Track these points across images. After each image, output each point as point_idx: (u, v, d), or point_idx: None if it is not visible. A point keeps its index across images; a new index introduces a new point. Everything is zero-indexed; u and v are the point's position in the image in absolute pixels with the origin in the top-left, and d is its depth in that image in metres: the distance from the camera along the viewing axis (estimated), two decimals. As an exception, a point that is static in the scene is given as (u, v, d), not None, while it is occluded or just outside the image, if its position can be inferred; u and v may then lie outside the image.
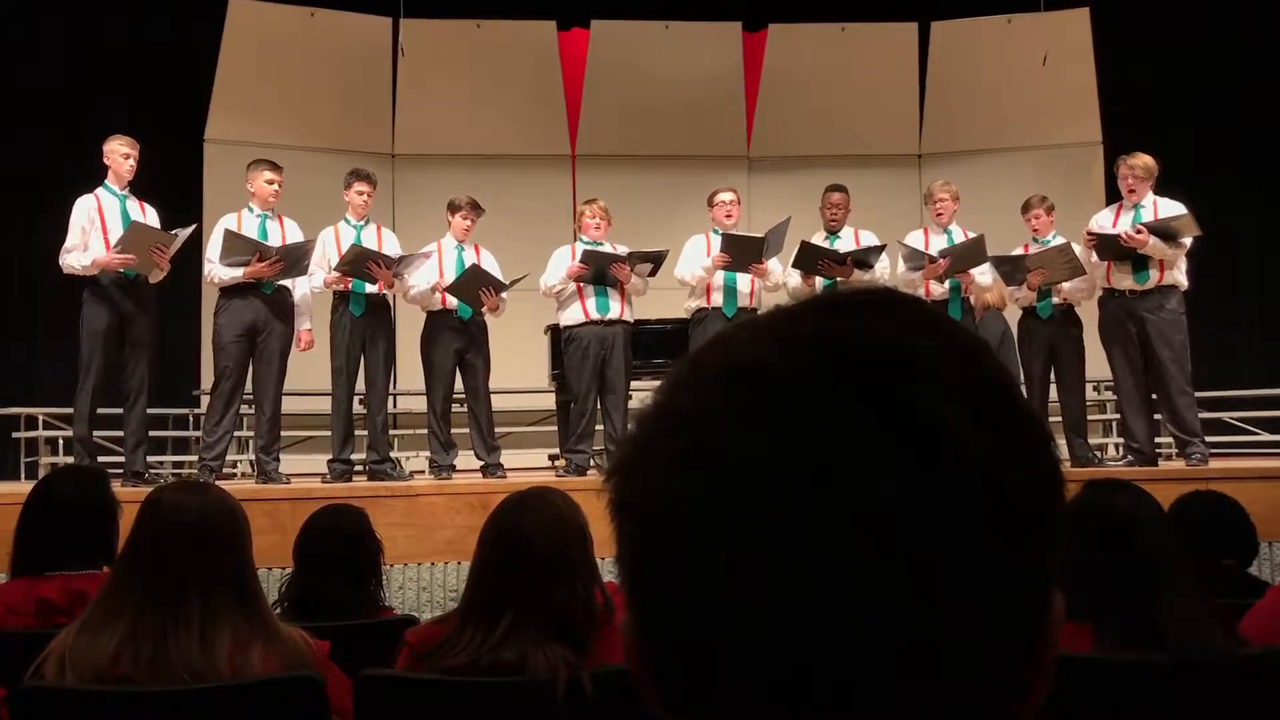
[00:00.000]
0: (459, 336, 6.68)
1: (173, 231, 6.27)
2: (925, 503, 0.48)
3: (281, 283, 6.40)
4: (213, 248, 6.30)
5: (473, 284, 6.58)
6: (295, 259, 6.35)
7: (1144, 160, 6.58)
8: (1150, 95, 9.43)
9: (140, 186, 6.44)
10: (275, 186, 6.52)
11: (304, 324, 6.61)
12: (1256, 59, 9.42)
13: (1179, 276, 6.49)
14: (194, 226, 6.46)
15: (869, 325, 0.53)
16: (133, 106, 8.48)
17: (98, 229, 6.14)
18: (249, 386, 6.55)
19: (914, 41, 9.93)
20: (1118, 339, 6.57)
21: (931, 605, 0.48)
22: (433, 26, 9.62)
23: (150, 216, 6.39)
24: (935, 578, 0.48)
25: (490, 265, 6.86)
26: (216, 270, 6.29)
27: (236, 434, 7.92)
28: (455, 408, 6.89)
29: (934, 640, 0.48)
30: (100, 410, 6.31)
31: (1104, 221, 6.69)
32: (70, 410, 6.44)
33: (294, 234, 6.57)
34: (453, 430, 6.79)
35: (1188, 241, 6.45)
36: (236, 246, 6.24)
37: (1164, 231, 6.37)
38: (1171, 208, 6.48)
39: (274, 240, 6.40)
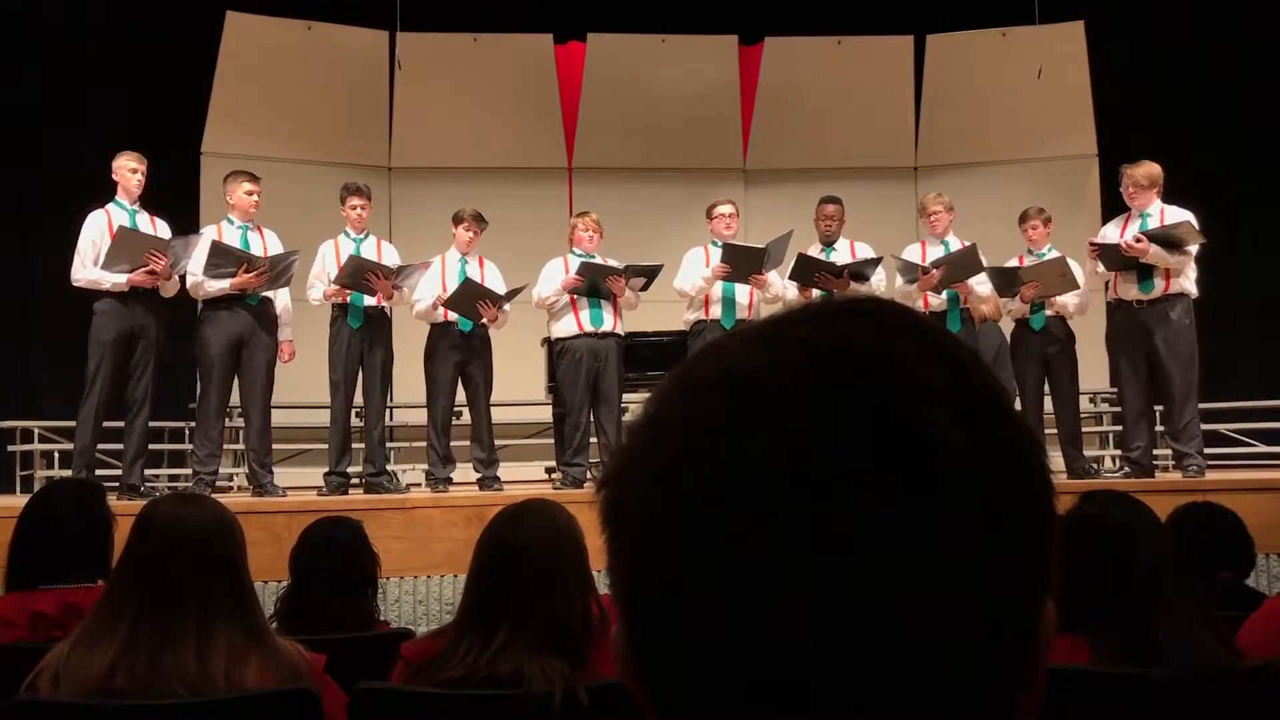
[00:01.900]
0: (460, 349, 6.68)
1: (169, 239, 6.25)
2: (916, 510, 0.48)
3: (265, 294, 6.40)
4: (196, 260, 6.29)
5: (469, 298, 6.58)
6: (281, 270, 6.36)
7: (1146, 169, 6.57)
8: (1145, 107, 9.45)
9: (144, 199, 6.43)
10: (255, 197, 6.53)
11: (285, 335, 6.60)
12: (1253, 70, 9.45)
13: (1187, 284, 6.47)
14: (202, 236, 6.45)
15: (862, 334, 0.53)
16: (130, 119, 8.48)
17: (108, 244, 6.13)
18: (236, 399, 6.54)
19: (909, 55, 9.96)
20: (1124, 349, 6.57)
21: (924, 611, 0.48)
22: (429, 40, 9.63)
23: (162, 229, 6.38)
24: (927, 584, 0.48)
25: (494, 277, 6.87)
26: (202, 282, 6.28)
27: (232, 447, 7.92)
28: (455, 421, 6.89)
29: (927, 646, 0.48)
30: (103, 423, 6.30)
31: (1111, 232, 6.68)
32: (67, 424, 6.43)
33: (274, 245, 6.58)
34: (451, 443, 6.78)
35: (1193, 249, 6.42)
36: (223, 257, 6.23)
37: (1165, 239, 6.36)
38: (1178, 215, 6.46)
39: (255, 251, 6.40)
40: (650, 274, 6.89)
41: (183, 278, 6.33)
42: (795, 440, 0.49)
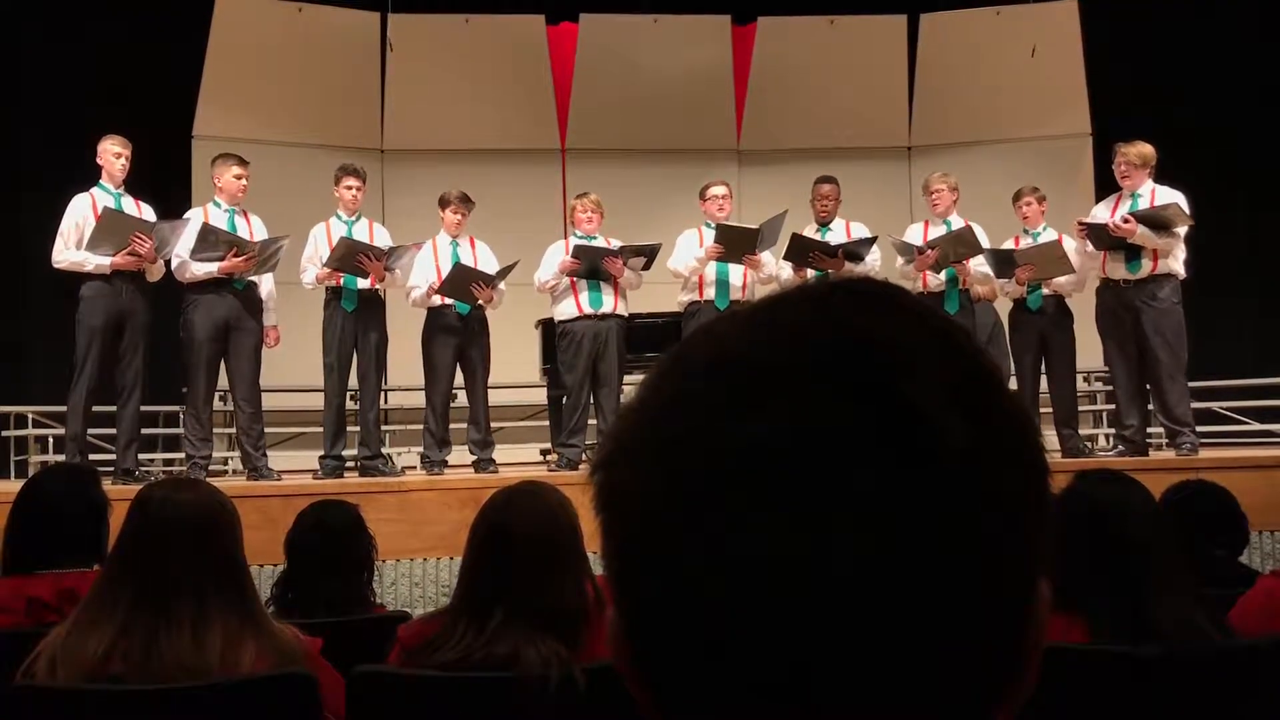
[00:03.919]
0: (458, 333, 6.67)
1: (155, 222, 6.22)
2: (908, 494, 0.48)
3: (250, 278, 6.38)
4: (183, 243, 6.26)
5: (461, 281, 6.56)
6: (269, 254, 6.34)
7: (1139, 149, 6.58)
8: (1139, 86, 9.43)
9: (129, 183, 6.41)
10: (243, 181, 6.50)
11: (270, 320, 6.58)
12: (1247, 48, 9.43)
13: (1175, 265, 6.49)
14: (189, 220, 6.43)
15: (854, 316, 0.52)
16: (120, 103, 8.43)
17: (91, 228, 6.10)
18: (224, 382, 6.53)
19: (903, 34, 9.93)
20: (1113, 329, 6.60)
21: (923, 593, 0.48)
22: (421, 21, 9.59)
23: (147, 213, 6.36)
24: (926, 565, 0.48)
25: (486, 256, 6.85)
26: (189, 266, 6.26)
27: (226, 431, 7.92)
28: (452, 404, 6.88)
29: (921, 632, 0.48)
30: (92, 408, 6.28)
31: (1102, 212, 6.70)
32: (60, 408, 6.42)
33: (260, 229, 6.55)
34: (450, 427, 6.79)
35: (1181, 231, 6.44)
36: (211, 241, 6.21)
37: (1154, 220, 6.38)
38: (1168, 197, 6.47)
39: (241, 235, 6.38)
40: (650, 254, 6.88)
41: (169, 261, 6.30)
42: (792, 422, 0.48)
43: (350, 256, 6.41)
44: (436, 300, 6.66)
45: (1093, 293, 6.83)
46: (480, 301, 6.63)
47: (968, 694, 0.50)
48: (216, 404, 6.82)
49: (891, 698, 0.48)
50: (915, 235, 7.07)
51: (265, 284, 6.53)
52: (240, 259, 6.19)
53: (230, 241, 6.23)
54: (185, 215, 6.52)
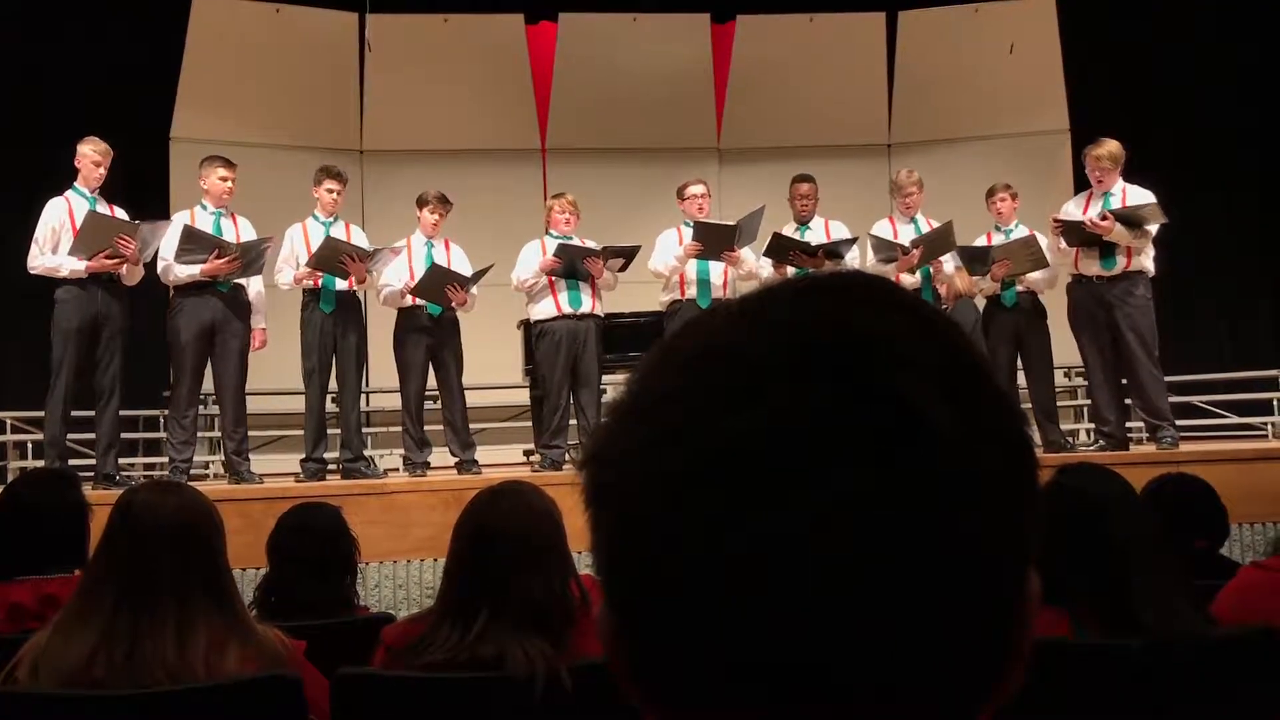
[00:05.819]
0: (430, 334, 6.65)
1: (135, 222, 6.19)
2: (900, 485, 0.48)
3: (237, 280, 6.35)
4: (167, 245, 6.23)
5: (436, 283, 6.54)
6: (253, 256, 6.31)
7: (1108, 149, 6.59)
8: (1116, 82, 9.48)
9: (106, 186, 6.37)
10: (229, 184, 6.47)
11: (259, 323, 6.55)
12: (1222, 44, 9.48)
13: (1146, 263, 6.55)
14: (170, 221, 6.40)
15: (842, 308, 0.52)
16: (97, 105, 8.37)
17: (68, 232, 6.07)
18: (210, 385, 6.50)
19: (882, 31, 9.96)
20: (1087, 325, 6.63)
21: (909, 589, 0.47)
22: (399, 21, 9.57)
23: (120, 218, 6.31)
24: (912, 561, 0.47)
25: (460, 260, 6.83)
26: (173, 268, 6.23)
27: (207, 434, 7.87)
28: (429, 405, 6.87)
29: (913, 624, 0.48)
30: (71, 412, 6.23)
31: (1074, 209, 6.73)
32: (38, 413, 6.37)
33: (247, 231, 6.52)
34: (426, 427, 6.77)
35: (1154, 229, 6.51)
36: (195, 243, 6.18)
37: (1130, 219, 6.43)
38: (1140, 195, 6.53)
39: (228, 238, 6.35)
40: (628, 254, 6.87)
41: (148, 265, 6.27)
42: (779, 416, 0.48)
43: (334, 256, 6.38)
44: (408, 300, 6.64)
45: (1064, 289, 6.86)
46: (454, 304, 6.61)
47: (960, 688, 0.50)
48: (199, 407, 6.77)
49: (884, 688, 0.48)
50: (882, 232, 7.08)
51: (254, 286, 6.50)
52: (222, 261, 6.16)
53: (213, 243, 6.20)
54: (170, 218, 6.48)
